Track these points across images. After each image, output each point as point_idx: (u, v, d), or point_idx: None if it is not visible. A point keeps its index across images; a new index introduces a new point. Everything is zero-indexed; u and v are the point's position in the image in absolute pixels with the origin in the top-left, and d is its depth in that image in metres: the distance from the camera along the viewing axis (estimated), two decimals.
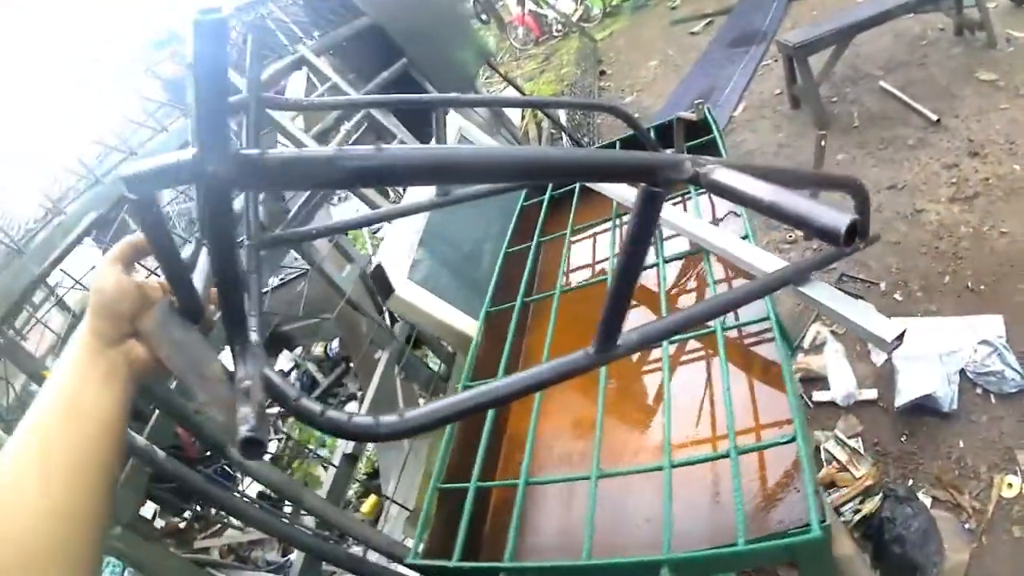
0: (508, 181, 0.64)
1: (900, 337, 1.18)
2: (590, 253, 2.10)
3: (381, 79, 3.83)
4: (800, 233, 3.60)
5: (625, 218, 2.03)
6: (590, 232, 2.16)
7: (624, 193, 1.92)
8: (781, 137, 5.61)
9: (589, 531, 1.12)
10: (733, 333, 1.45)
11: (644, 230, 0.64)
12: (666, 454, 1.15)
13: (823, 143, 1.65)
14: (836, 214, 0.53)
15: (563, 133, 6.39)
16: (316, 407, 0.64)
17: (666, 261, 1.69)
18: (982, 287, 3.39)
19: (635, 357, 1.58)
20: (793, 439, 1.07)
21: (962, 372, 2.99)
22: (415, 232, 2.41)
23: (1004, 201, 3.84)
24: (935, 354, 3.03)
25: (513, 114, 7.22)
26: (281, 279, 5.16)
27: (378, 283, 2.16)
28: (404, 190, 2.96)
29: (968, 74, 5.24)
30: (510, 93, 6.95)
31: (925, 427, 2.90)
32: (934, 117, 4.82)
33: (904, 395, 2.96)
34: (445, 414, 0.67)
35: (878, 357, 3.26)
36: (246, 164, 0.46)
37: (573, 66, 9.34)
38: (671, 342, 1.43)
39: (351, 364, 5.33)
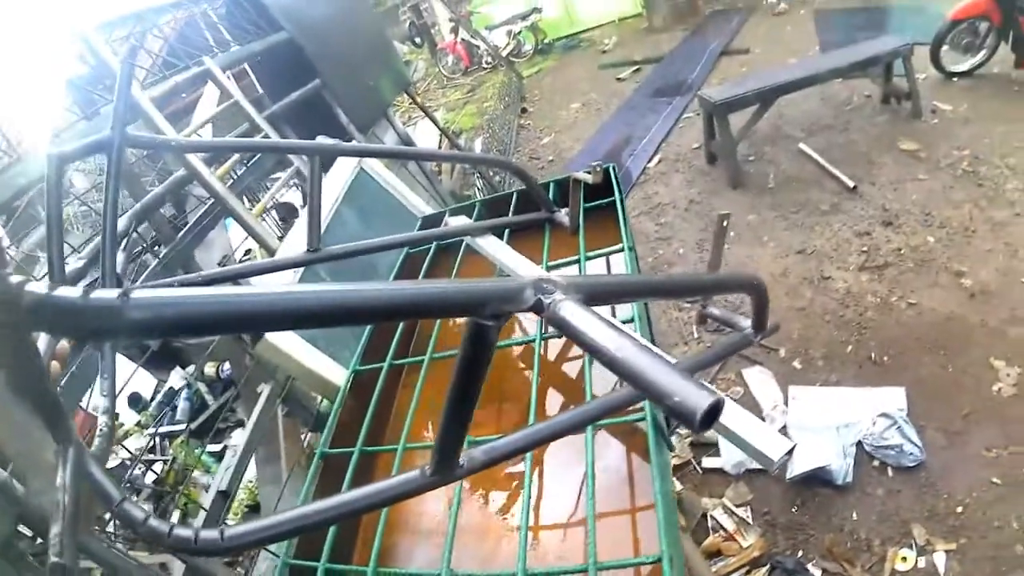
0: (318, 327, 0.61)
1: (789, 453, 1.17)
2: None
3: (290, 99, 3.79)
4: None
5: (501, 271, 2.00)
6: None
7: (505, 259, 1.90)
8: (693, 193, 5.72)
9: None
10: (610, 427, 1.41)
11: (474, 364, 0.61)
12: (520, 562, 1.10)
13: (726, 224, 1.64)
14: (697, 392, 0.42)
15: (476, 172, 6.43)
16: (139, 514, 0.62)
17: (544, 338, 1.65)
18: (885, 359, 3.47)
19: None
20: (659, 560, 1.03)
21: (859, 444, 3.04)
22: (292, 272, 2.35)
23: (914, 272, 3.98)
24: (832, 425, 3.09)
25: (431, 139, 7.24)
26: None
27: None
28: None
29: (890, 142, 5.47)
30: (431, 125, 6.98)
31: (818, 498, 2.93)
32: (851, 183, 4.99)
33: (797, 466, 2.99)
34: (268, 534, 0.66)
35: (772, 425, 3.28)
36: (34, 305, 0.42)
37: (496, 100, 9.43)
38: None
39: (235, 390, 5.19)
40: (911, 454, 2.89)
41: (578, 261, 1.91)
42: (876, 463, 2.98)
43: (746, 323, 1.28)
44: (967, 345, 3.39)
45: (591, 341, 0.47)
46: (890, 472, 2.92)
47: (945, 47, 6.10)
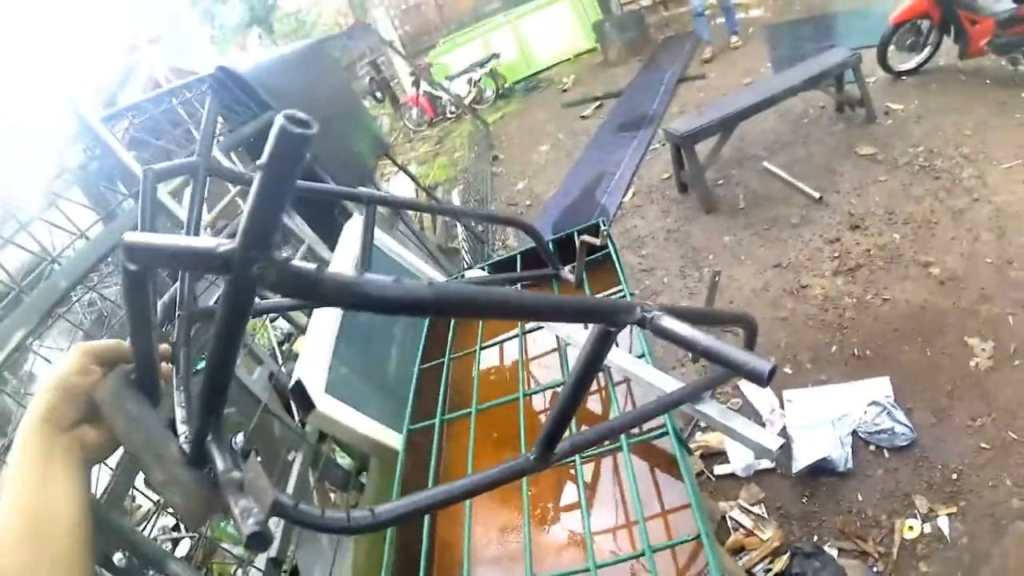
0: (513, 318, 0.79)
1: (781, 447, 1.44)
2: (499, 367, 2.27)
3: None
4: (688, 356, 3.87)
5: (528, 325, 2.25)
6: (498, 345, 2.33)
7: None
8: (670, 222, 5.98)
9: None
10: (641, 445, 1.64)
11: (595, 360, 0.80)
12: (590, 556, 1.33)
13: (717, 279, 1.97)
14: (760, 361, 0.73)
15: (459, 224, 6.67)
16: (288, 501, 0.70)
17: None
18: (868, 352, 3.75)
19: (551, 471, 1.75)
20: (698, 536, 1.28)
21: (855, 433, 3.30)
22: (328, 344, 2.51)
23: (885, 270, 4.28)
24: (827, 420, 3.35)
25: (407, 194, 7.48)
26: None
27: (297, 399, 2.20)
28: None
29: (848, 149, 5.84)
30: (406, 180, 7.22)
31: (824, 487, 3.18)
32: (816, 195, 5.30)
33: (801, 461, 3.24)
34: (410, 510, 0.79)
35: (772, 429, 3.52)
36: (296, 278, 0.48)
37: (466, 150, 9.73)
38: (582, 457, 1.63)
39: (259, 458, 5.31)
40: (903, 434, 3.16)
41: None
42: (872, 448, 3.23)
43: None
44: (942, 329, 3.69)
45: (687, 339, 0.76)
46: (886, 454, 3.18)
47: (891, 48, 6.53)
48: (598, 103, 10.02)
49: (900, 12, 6.31)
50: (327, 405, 2.21)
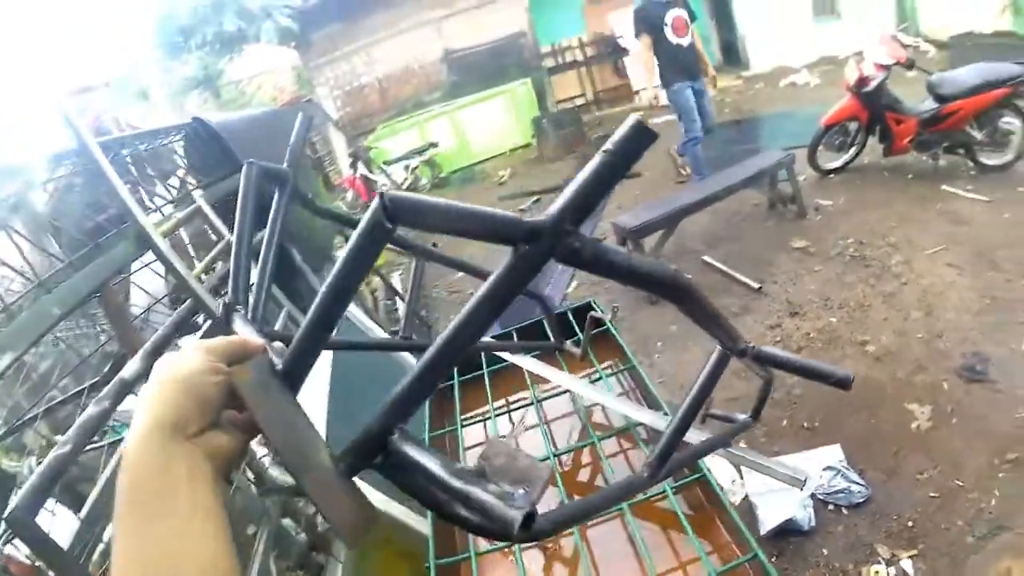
0: (695, 318, 0.94)
1: (805, 481, 1.69)
2: (510, 432, 2.41)
3: (257, 240, 3.99)
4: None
5: (539, 392, 2.49)
6: (510, 409, 2.54)
7: (539, 369, 2.35)
8: (617, 312, 6.19)
9: None
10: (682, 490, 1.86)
11: (712, 382, 1.00)
12: None
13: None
14: (844, 372, 0.99)
15: (396, 297, 6.96)
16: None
17: (602, 438, 2.14)
18: (816, 424, 4.08)
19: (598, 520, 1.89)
20: (755, 556, 1.51)
21: (814, 495, 3.58)
22: (322, 416, 2.71)
23: (824, 350, 4.68)
24: (786, 486, 3.60)
25: None
26: None
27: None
28: None
29: (782, 243, 6.34)
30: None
31: (791, 545, 3.42)
32: (755, 285, 5.71)
33: (767, 524, 3.47)
34: (575, 516, 0.86)
35: (736, 498, 3.76)
36: (609, 255, 0.53)
37: None
38: (631, 504, 1.81)
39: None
40: (858, 492, 3.46)
41: (600, 377, 2.44)
42: (831, 507, 3.51)
43: (741, 416, 1.71)
44: (882, 398, 4.06)
45: (786, 360, 1.03)
46: (845, 511, 3.46)
47: (820, 148, 7.22)
48: (536, 198, 10.43)
49: (831, 115, 7.04)
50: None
